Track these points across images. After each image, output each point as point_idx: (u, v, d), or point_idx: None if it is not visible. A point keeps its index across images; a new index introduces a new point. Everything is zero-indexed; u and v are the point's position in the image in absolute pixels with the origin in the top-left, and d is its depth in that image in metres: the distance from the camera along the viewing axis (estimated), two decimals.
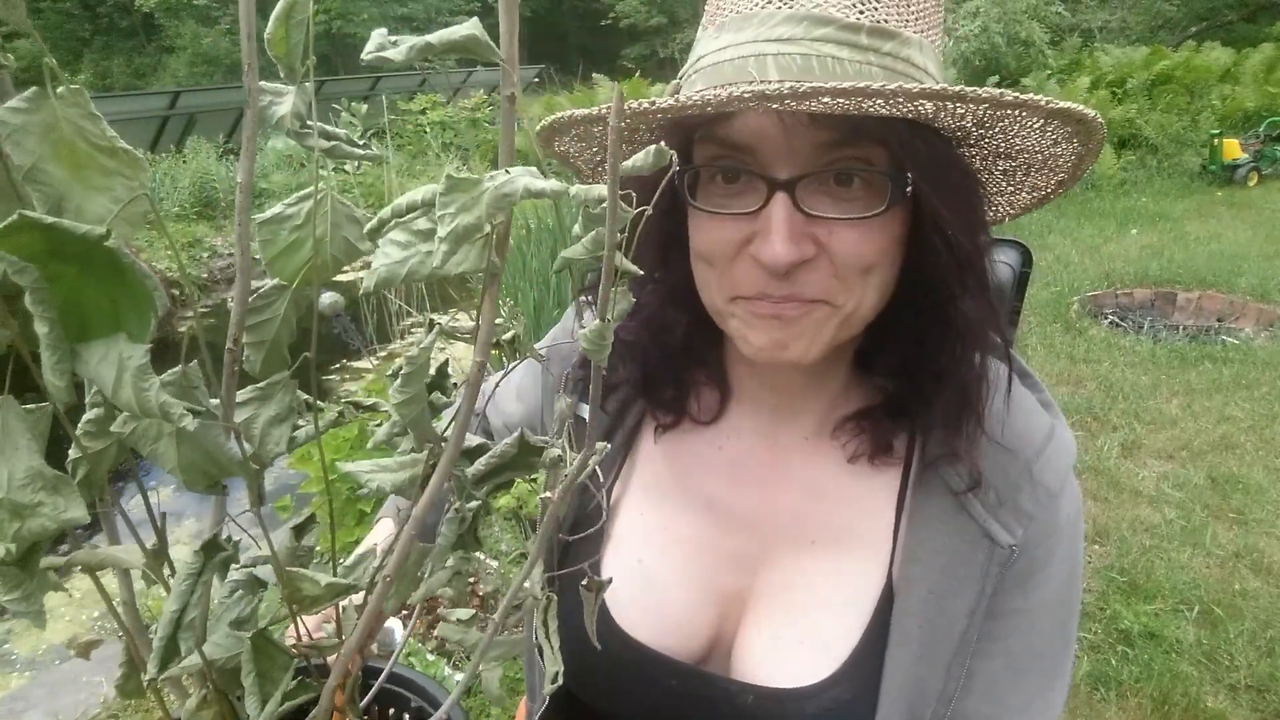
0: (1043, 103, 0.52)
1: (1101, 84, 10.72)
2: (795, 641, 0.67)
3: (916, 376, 0.65)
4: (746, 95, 0.48)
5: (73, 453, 0.44)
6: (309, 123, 0.43)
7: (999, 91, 0.51)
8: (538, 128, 0.62)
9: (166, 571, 0.49)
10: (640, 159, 0.37)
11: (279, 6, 0.40)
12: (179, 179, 9.09)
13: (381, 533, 0.85)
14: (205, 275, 8.08)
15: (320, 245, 0.44)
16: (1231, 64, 11.20)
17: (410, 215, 0.39)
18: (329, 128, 0.45)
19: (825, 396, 0.71)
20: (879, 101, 0.49)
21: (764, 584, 0.71)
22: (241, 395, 0.45)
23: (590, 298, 0.74)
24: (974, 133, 0.58)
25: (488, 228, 0.37)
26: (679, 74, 0.63)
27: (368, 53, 0.38)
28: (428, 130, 12.46)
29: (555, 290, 4.09)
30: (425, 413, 0.46)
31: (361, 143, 0.46)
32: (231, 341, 0.44)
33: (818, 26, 0.52)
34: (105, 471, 0.45)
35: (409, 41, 0.37)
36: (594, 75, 13.75)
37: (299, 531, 0.53)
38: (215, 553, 0.47)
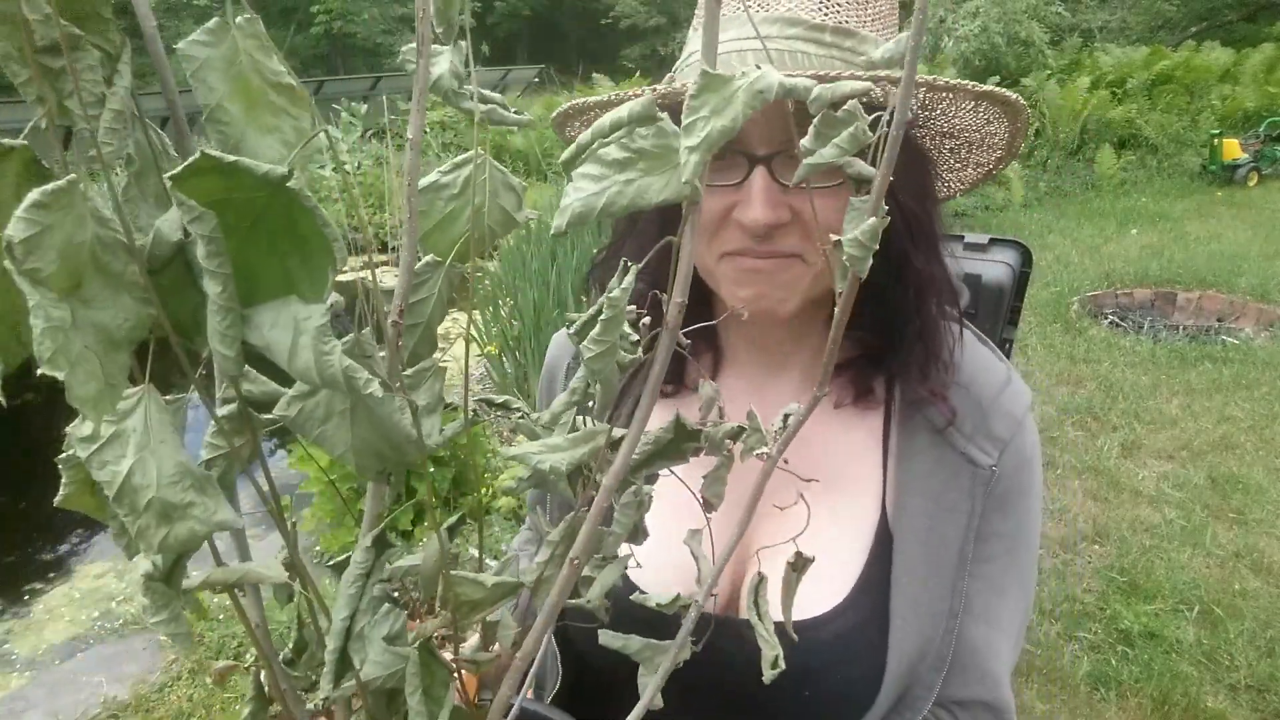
0: (969, 86, 0.63)
1: (1101, 84, 10.71)
2: (802, 580, 0.71)
3: (884, 327, 0.73)
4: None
5: (204, 452, 0.40)
6: (467, 86, 0.39)
7: (932, 77, 0.62)
8: (554, 113, 0.71)
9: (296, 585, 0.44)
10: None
11: None
12: None
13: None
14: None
15: (479, 216, 0.41)
16: (1231, 64, 11.19)
17: (614, 136, 0.36)
18: (486, 91, 0.41)
19: (807, 352, 0.79)
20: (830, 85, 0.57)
21: (764, 536, 0.75)
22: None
23: (595, 281, 0.82)
24: (921, 115, 0.70)
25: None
26: (672, 69, 0.72)
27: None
28: (428, 130, 12.46)
29: (555, 290, 4.09)
30: (615, 368, 0.43)
31: (515, 110, 0.43)
32: (396, 314, 0.40)
33: (789, 27, 0.63)
34: (234, 477, 0.41)
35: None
36: (594, 75, 13.75)
37: (451, 533, 0.49)
38: (384, 549, 0.42)
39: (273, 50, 0.35)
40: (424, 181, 0.40)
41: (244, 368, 0.35)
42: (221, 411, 0.39)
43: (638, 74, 14.76)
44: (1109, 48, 12.42)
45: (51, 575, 3.48)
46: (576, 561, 0.43)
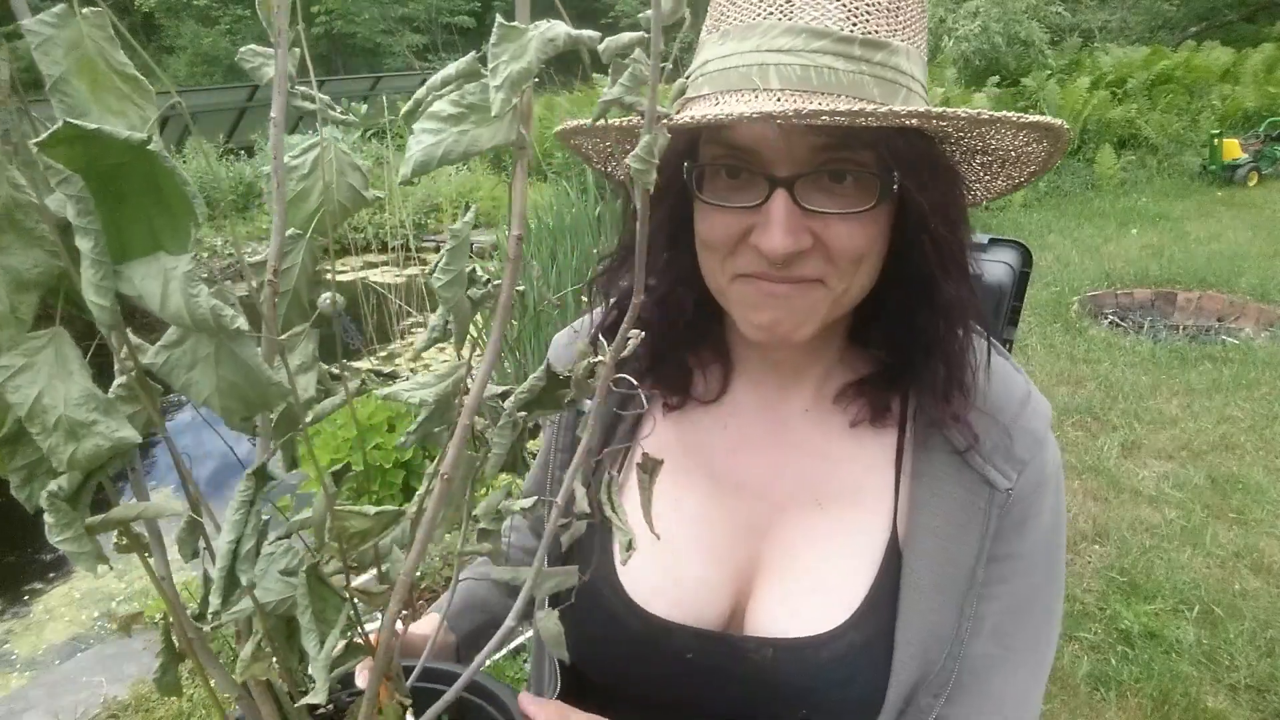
0: (1014, 119, 0.58)
1: (1101, 84, 10.70)
2: (807, 594, 0.71)
3: (907, 349, 0.71)
4: (755, 116, 0.54)
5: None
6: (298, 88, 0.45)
7: (976, 111, 0.56)
8: (555, 130, 0.69)
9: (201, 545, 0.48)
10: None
11: None
12: None
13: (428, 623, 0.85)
14: (206, 276, 8.08)
15: (328, 193, 0.45)
16: (1231, 64, 11.19)
17: (445, 89, 0.41)
18: (313, 91, 0.47)
19: (820, 368, 0.77)
20: (872, 120, 0.54)
21: (774, 548, 0.74)
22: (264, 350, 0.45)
23: (601, 285, 0.79)
24: (954, 135, 0.66)
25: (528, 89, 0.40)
26: (685, 74, 0.66)
27: None
28: None
29: (555, 290, 4.09)
30: (466, 297, 0.47)
31: (340, 110, 0.48)
32: (271, 273, 0.44)
33: (815, 39, 0.57)
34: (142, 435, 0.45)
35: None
36: (594, 75, 13.74)
37: (337, 478, 0.53)
38: (265, 480, 0.46)
39: (117, 42, 0.39)
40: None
41: (119, 319, 0.39)
42: (115, 384, 0.43)
43: None
44: (1109, 48, 12.41)
45: (51, 575, 3.48)
46: (447, 476, 0.47)
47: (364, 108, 9.52)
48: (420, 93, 0.42)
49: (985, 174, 0.72)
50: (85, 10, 0.37)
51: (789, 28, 0.58)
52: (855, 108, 0.53)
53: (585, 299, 0.86)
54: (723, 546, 0.75)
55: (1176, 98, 10.56)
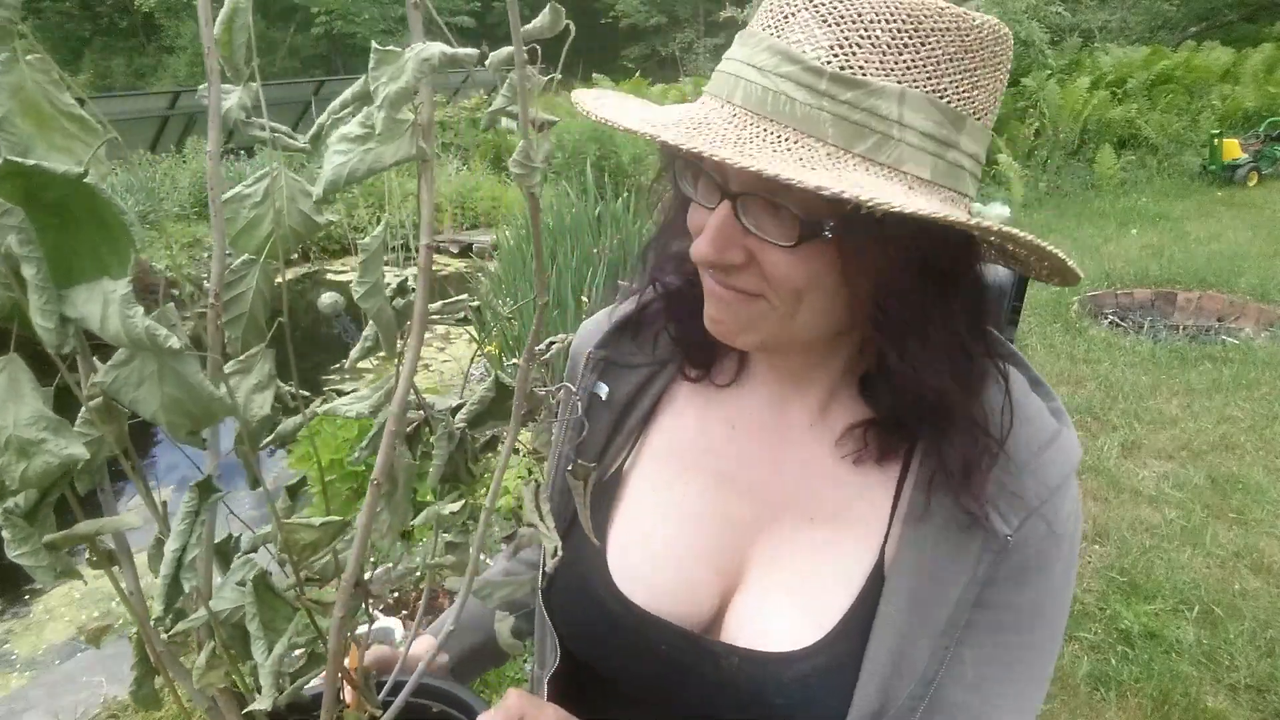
0: (1025, 239, 0.55)
1: (1101, 84, 10.70)
2: (783, 610, 0.70)
3: (916, 404, 0.66)
4: (689, 149, 0.55)
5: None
6: (253, 119, 0.48)
7: (975, 221, 0.53)
8: (577, 94, 0.67)
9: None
10: (538, 21, 0.44)
11: (223, 12, 0.44)
12: (179, 179, 9.05)
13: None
14: (205, 275, 8.08)
15: (280, 218, 0.47)
16: (1231, 64, 11.19)
17: (344, 112, 0.44)
18: (273, 123, 0.49)
19: (828, 376, 0.74)
20: (781, 177, 0.51)
21: (759, 554, 0.74)
22: (227, 369, 0.47)
23: (632, 280, 0.80)
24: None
25: (412, 109, 0.42)
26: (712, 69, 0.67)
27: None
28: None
29: (555, 290, 4.09)
30: (387, 305, 0.49)
31: (298, 138, 0.50)
32: (213, 298, 0.47)
33: (786, 63, 0.55)
34: (103, 458, 0.47)
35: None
36: (594, 75, 13.74)
37: (292, 492, 0.55)
38: (210, 492, 0.48)
39: (62, 85, 0.41)
40: (228, 194, 0.47)
41: (63, 340, 0.41)
42: (84, 409, 0.45)
43: (638, 74, 14.76)
44: (1109, 48, 12.40)
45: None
46: (377, 482, 0.49)
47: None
48: (322, 118, 0.45)
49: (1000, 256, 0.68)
50: (29, 57, 0.40)
51: (771, 44, 0.56)
52: (757, 166, 0.50)
53: (584, 299, 0.87)
54: (714, 546, 0.75)
55: (1176, 98, 10.56)
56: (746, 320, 0.65)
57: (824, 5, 0.55)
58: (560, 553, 0.54)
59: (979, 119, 0.59)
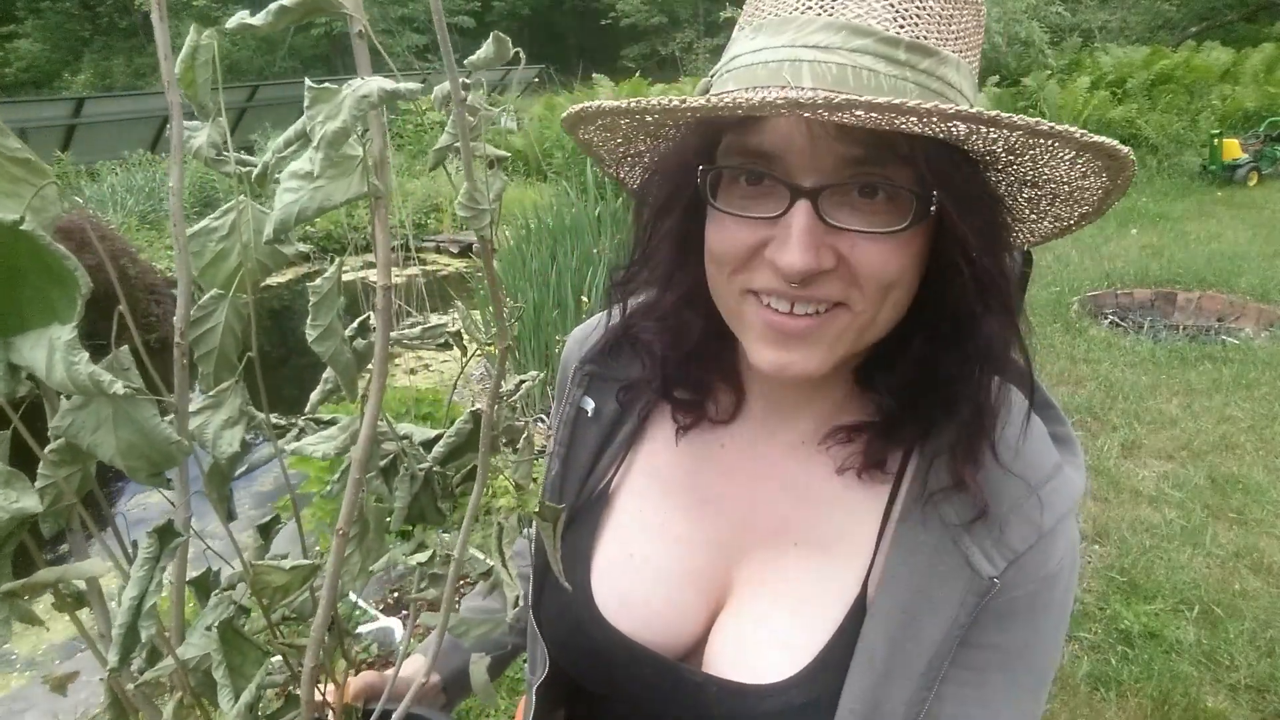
0: (1078, 135, 0.50)
1: (1101, 84, 10.72)
2: (763, 640, 0.68)
3: (921, 399, 0.64)
4: (779, 101, 0.48)
5: (39, 482, 0.46)
6: (224, 152, 0.47)
7: (1034, 120, 0.49)
8: (564, 114, 0.61)
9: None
10: (482, 52, 0.42)
11: (184, 49, 0.43)
12: None
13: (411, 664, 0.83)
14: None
15: (246, 252, 0.47)
16: (1231, 64, 11.20)
17: (288, 151, 0.43)
18: (246, 157, 0.48)
19: (826, 404, 0.71)
20: (912, 119, 0.48)
21: (744, 579, 0.72)
22: (195, 405, 0.47)
23: (619, 295, 0.75)
24: (1003, 158, 0.57)
25: (359, 142, 0.41)
26: (710, 72, 0.61)
27: (230, 27, 0.41)
28: (428, 130, 12.45)
29: (555, 290, 4.09)
30: (344, 347, 0.48)
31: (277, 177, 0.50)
32: (179, 336, 0.46)
33: (856, 37, 0.52)
34: (71, 497, 0.47)
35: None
36: (594, 75, 13.74)
37: (264, 531, 0.55)
38: (170, 538, 0.48)
39: (6, 131, 0.41)
40: (196, 227, 0.47)
41: (16, 387, 0.41)
42: (48, 449, 0.45)
43: (638, 74, 14.75)
44: (1109, 48, 12.42)
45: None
46: (342, 532, 0.49)
47: None
48: (266, 156, 0.44)
49: (1031, 211, 0.64)
50: None
51: (828, 23, 0.52)
52: (897, 101, 0.47)
53: (584, 299, 0.86)
54: (698, 570, 0.73)
55: (1176, 98, 10.57)
56: (827, 342, 0.59)
57: None
58: (521, 603, 0.53)
59: (981, 89, 0.60)
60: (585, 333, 0.85)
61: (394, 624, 2.41)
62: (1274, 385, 4.31)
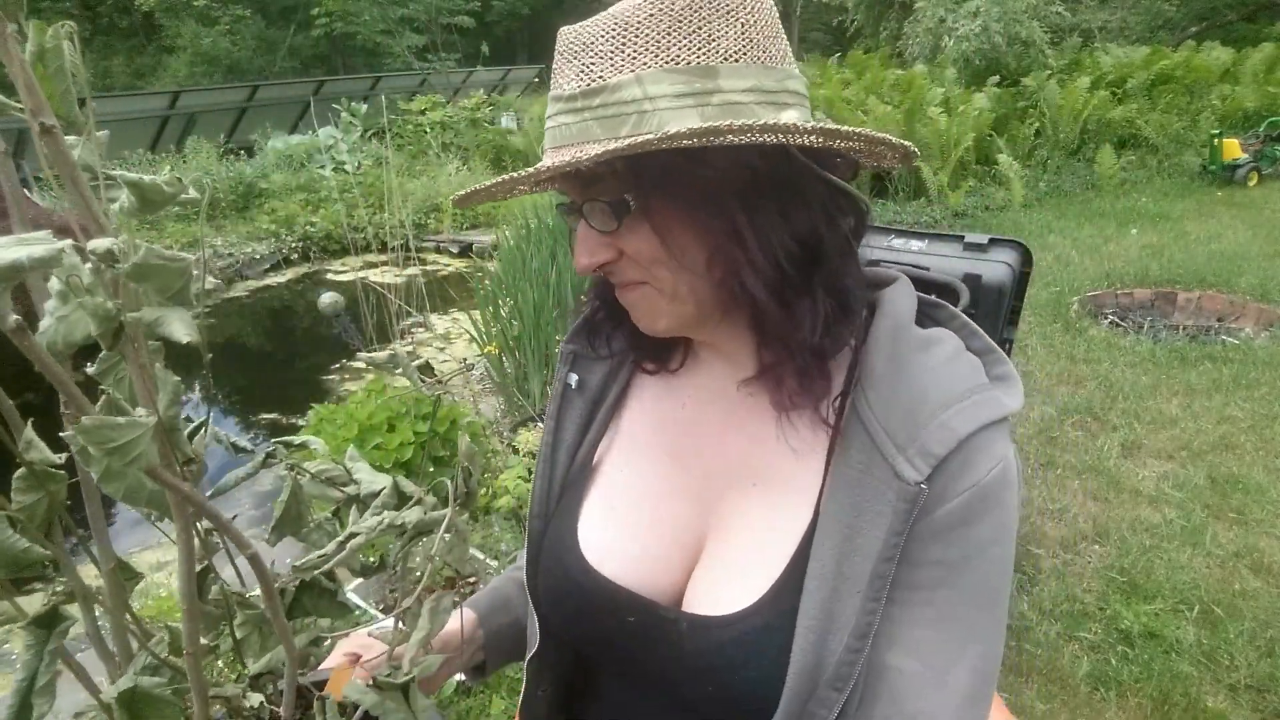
0: (867, 135, 0.64)
1: (1101, 84, 10.71)
2: (727, 575, 0.74)
3: (786, 339, 0.71)
4: (523, 175, 0.69)
5: (13, 508, 0.47)
6: (101, 172, 0.43)
7: (819, 125, 0.61)
8: (454, 197, 0.77)
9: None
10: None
11: (27, 53, 0.37)
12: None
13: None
14: (213, 271, 8.07)
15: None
16: (1231, 64, 11.19)
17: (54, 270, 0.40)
18: (126, 174, 0.44)
19: (747, 349, 0.77)
20: (583, 157, 0.61)
21: (715, 525, 0.78)
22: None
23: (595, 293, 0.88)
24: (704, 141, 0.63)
25: None
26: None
27: None
28: (428, 130, 12.45)
29: (555, 290, 4.09)
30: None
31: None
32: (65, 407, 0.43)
33: (555, 104, 0.68)
34: (43, 521, 0.48)
35: None
36: None
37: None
38: (57, 621, 0.50)
39: None
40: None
41: None
42: (16, 475, 0.45)
43: None
44: (1109, 48, 12.42)
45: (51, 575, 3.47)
46: (190, 653, 0.52)
47: (364, 108, 9.51)
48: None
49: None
50: None
51: (553, 96, 0.69)
52: (543, 165, 0.66)
53: (583, 298, 0.93)
54: (673, 520, 0.80)
55: (1176, 98, 10.56)
56: (650, 308, 0.73)
57: (565, 50, 0.67)
58: (472, 568, 0.56)
59: (735, 60, 0.64)
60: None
61: (394, 624, 2.40)
62: (1274, 385, 4.31)
